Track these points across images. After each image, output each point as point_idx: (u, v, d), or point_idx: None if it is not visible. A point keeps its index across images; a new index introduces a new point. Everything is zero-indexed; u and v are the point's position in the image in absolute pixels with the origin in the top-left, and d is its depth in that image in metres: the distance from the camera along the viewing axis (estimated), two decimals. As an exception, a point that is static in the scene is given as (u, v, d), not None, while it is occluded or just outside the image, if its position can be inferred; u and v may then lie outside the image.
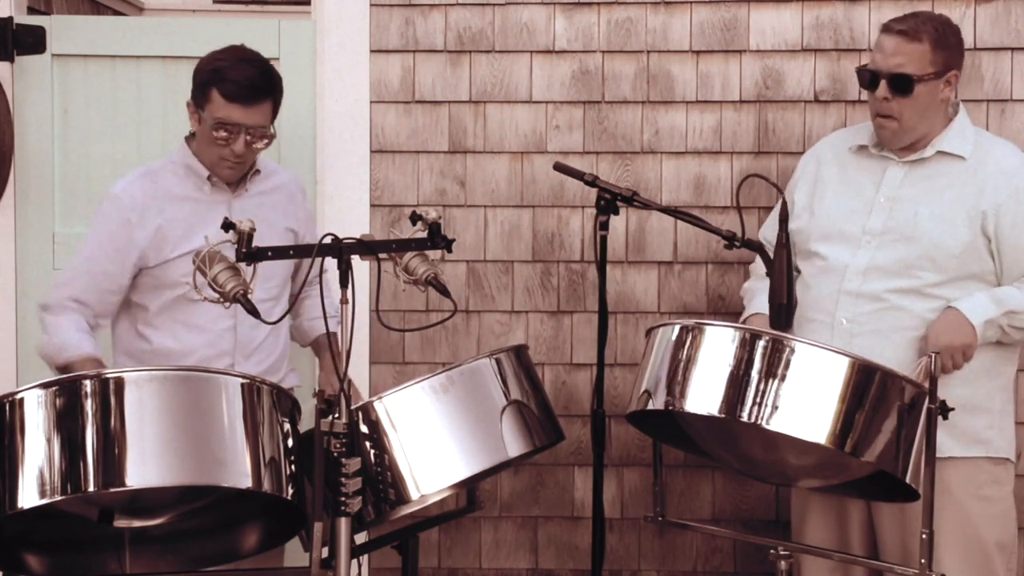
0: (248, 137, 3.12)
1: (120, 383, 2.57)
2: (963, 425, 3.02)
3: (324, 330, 3.16)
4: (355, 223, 3.69)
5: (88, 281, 3.19)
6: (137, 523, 2.89)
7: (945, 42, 3.12)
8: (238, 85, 3.09)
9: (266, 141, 3.17)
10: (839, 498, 3.20)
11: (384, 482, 2.73)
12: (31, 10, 4.19)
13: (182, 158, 3.25)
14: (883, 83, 3.10)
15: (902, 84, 3.08)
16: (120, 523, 2.86)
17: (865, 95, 3.33)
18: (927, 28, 3.10)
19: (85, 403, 2.54)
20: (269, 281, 3.21)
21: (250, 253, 2.55)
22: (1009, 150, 3.24)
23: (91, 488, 2.52)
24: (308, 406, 2.69)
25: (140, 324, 3.24)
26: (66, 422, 2.54)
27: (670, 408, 2.80)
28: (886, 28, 3.16)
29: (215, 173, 3.22)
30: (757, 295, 3.30)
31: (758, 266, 3.38)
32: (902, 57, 3.09)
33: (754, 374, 2.69)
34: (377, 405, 2.76)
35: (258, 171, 3.29)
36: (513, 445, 2.83)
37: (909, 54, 3.09)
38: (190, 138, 3.26)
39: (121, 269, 3.19)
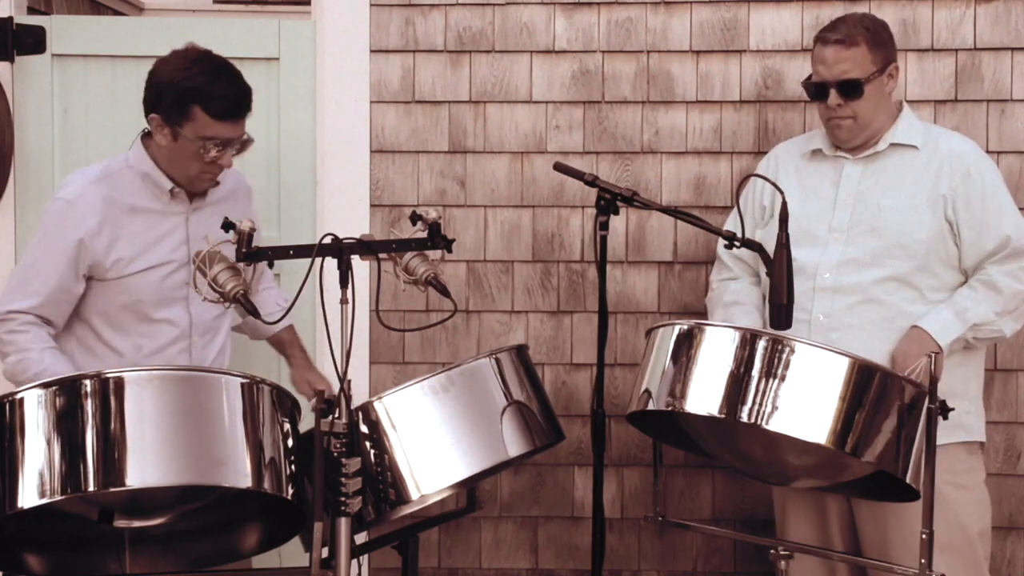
0: (235, 149, 3.04)
1: (120, 383, 2.56)
2: None
3: (280, 322, 3.17)
4: (355, 223, 3.69)
5: (47, 296, 3.01)
6: (137, 523, 2.89)
7: (879, 40, 3.22)
8: (228, 102, 2.97)
9: (245, 147, 3.08)
10: (818, 494, 3.22)
11: (384, 482, 2.73)
12: (31, 10, 4.19)
13: (140, 164, 3.09)
14: (832, 92, 3.19)
15: (851, 89, 3.17)
16: (120, 523, 2.86)
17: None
18: (860, 31, 3.20)
19: (85, 403, 2.54)
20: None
21: (250, 253, 2.55)
22: (959, 138, 3.31)
23: (91, 488, 2.52)
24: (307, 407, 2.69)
25: (91, 340, 3.09)
26: (66, 422, 2.54)
27: (670, 408, 2.81)
28: (822, 40, 3.23)
29: (192, 186, 3.09)
30: (743, 316, 3.28)
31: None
32: (845, 64, 3.18)
33: (754, 374, 2.69)
34: (377, 405, 2.76)
35: (217, 182, 3.16)
36: (513, 445, 2.83)
37: (851, 59, 3.17)
38: (149, 142, 3.10)
39: (76, 281, 3.03)
